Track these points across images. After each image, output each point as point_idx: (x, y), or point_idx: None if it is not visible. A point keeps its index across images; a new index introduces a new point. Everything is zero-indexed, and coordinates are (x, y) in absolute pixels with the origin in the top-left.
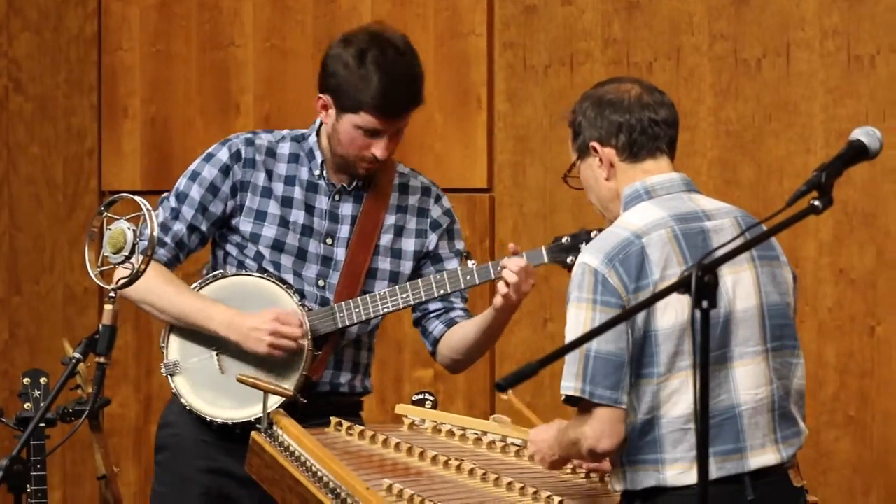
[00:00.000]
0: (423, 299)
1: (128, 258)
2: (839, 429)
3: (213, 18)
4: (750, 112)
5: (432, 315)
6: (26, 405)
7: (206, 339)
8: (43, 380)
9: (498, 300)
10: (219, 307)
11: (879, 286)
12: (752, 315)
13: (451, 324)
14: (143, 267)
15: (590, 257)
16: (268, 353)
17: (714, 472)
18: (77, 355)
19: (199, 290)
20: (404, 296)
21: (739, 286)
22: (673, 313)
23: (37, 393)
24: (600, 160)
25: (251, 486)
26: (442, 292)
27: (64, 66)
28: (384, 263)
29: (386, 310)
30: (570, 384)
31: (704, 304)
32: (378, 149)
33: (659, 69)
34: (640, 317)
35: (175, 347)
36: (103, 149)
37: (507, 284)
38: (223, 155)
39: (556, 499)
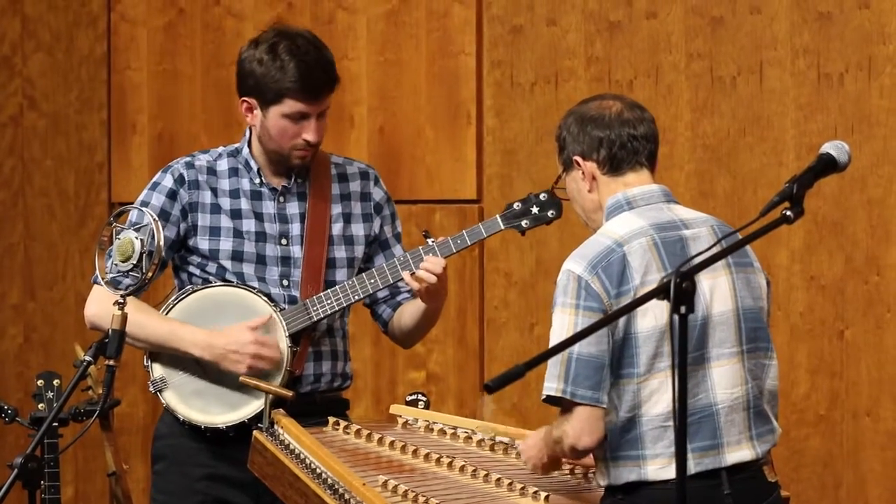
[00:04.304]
0: (391, 281)
1: (136, 266)
2: (810, 427)
3: (216, 39)
4: (725, 127)
5: (381, 301)
6: (40, 405)
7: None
8: (56, 381)
9: (416, 289)
10: (188, 329)
11: (847, 292)
12: (727, 318)
13: (397, 306)
14: (150, 274)
15: (574, 265)
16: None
17: (692, 468)
18: (88, 358)
19: (171, 309)
20: (371, 281)
21: (716, 291)
22: (652, 317)
23: (50, 394)
24: (583, 173)
25: (246, 489)
26: (408, 271)
27: (75, 85)
28: (340, 252)
29: (357, 297)
30: (552, 385)
31: (682, 309)
32: (308, 133)
33: (639, 86)
34: (622, 320)
35: (158, 366)
36: (113, 162)
37: (424, 277)
38: (168, 181)
39: (543, 494)
